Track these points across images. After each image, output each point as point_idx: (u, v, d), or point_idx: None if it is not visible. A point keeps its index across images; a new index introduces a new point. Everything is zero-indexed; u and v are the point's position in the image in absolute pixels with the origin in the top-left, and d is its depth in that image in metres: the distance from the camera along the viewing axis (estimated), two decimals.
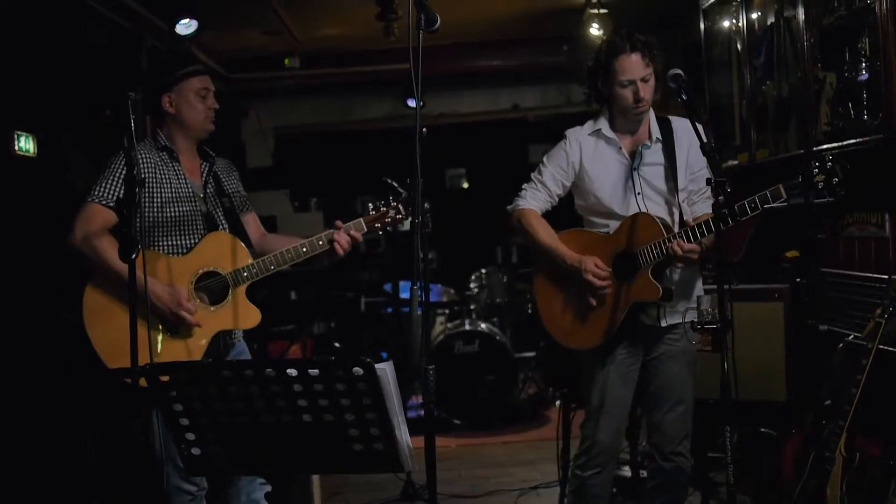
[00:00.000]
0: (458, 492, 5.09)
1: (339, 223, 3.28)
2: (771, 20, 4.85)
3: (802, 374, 3.85)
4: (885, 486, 3.23)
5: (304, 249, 3.24)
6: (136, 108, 2.65)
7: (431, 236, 2.59)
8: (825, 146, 4.11)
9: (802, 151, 4.35)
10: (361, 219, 3.31)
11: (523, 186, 3.58)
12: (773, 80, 4.85)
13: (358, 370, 2.11)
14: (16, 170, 4.57)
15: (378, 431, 2.18)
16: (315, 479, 4.32)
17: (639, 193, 3.41)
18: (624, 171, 3.44)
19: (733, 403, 2.79)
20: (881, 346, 3.30)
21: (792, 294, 4.09)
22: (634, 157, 3.43)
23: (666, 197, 3.43)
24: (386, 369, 2.13)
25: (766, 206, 3.04)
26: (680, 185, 3.40)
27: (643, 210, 3.38)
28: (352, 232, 3.26)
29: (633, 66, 3.31)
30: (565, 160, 3.49)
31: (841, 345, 3.52)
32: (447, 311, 7.44)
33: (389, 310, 8.26)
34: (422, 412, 2.84)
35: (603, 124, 3.47)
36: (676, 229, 3.33)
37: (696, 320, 3.11)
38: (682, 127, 3.44)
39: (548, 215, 3.57)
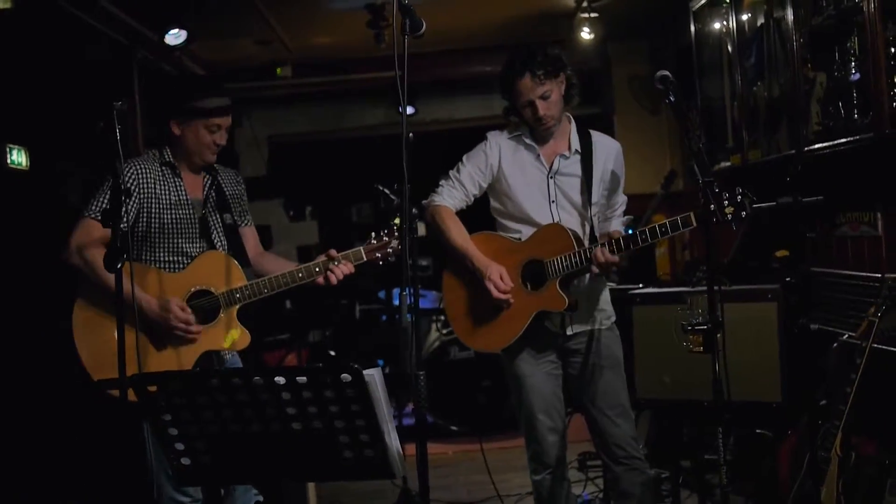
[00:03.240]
0: (455, 498, 5.08)
1: (332, 252, 3.23)
2: (761, 21, 4.86)
3: (797, 374, 3.84)
4: (882, 486, 3.22)
5: (300, 275, 3.21)
6: (122, 118, 2.65)
7: (427, 243, 2.59)
8: (816, 146, 4.12)
9: (794, 152, 4.35)
10: (361, 248, 3.25)
11: (440, 183, 3.59)
12: (764, 80, 4.85)
13: (346, 377, 2.11)
14: (8, 183, 4.56)
15: (368, 438, 2.18)
16: (311, 487, 4.31)
17: (553, 202, 3.45)
18: (540, 179, 3.47)
19: (727, 405, 2.78)
20: (875, 345, 3.29)
21: (784, 294, 4.09)
22: (552, 165, 3.47)
23: (579, 209, 3.46)
24: (374, 375, 2.13)
25: (675, 232, 3.10)
26: (593, 199, 3.44)
27: (556, 219, 3.42)
28: (342, 266, 3.21)
29: (525, 87, 3.35)
30: (484, 161, 3.52)
31: (835, 344, 3.51)
32: (443, 318, 7.41)
33: (384, 317, 8.25)
34: None
35: (524, 130, 3.51)
36: (587, 242, 3.37)
37: (683, 322, 3.10)
38: (601, 142, 3.51)
39: (462, 215, 3.58)
